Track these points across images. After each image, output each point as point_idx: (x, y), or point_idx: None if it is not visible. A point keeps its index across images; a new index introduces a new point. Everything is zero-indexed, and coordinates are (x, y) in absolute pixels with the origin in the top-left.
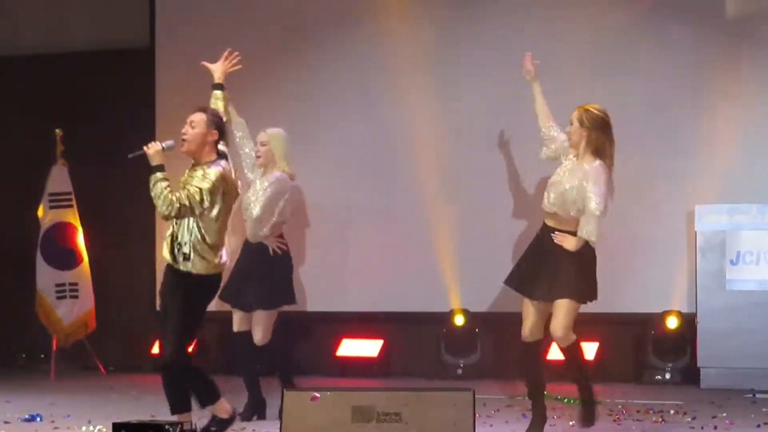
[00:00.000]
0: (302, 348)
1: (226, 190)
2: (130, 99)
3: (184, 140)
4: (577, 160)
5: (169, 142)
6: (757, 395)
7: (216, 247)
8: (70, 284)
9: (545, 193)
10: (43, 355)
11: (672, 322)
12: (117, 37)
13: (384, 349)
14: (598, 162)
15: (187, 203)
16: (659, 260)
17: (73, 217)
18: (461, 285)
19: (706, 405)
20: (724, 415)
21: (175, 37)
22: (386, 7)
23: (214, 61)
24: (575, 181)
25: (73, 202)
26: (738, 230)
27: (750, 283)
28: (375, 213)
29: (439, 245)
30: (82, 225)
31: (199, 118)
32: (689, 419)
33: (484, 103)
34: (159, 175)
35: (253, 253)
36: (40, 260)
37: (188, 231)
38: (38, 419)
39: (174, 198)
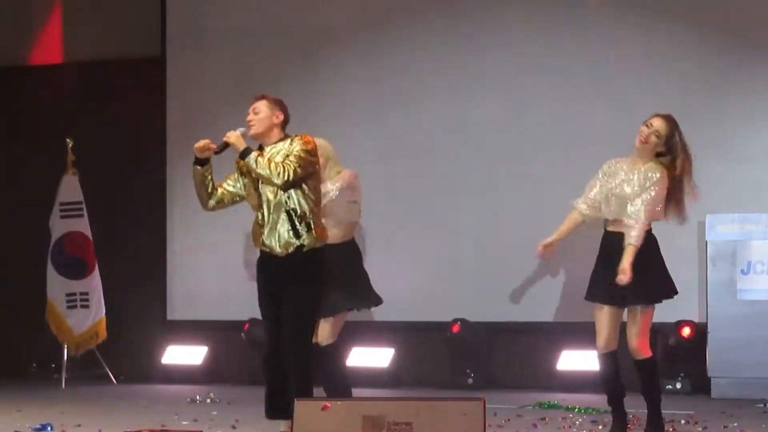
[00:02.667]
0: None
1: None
2: (141, 108)
3: (252, 125)
4: (632, 164)
5: (242, 129)
6: None
7: (320, 211)
8: (81, 294)
9: (603, 204)
10: (53, 365)
11: (683, 332)
12: (128, 47)
13: (395, 359)
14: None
15: (297, 165)
16: (670, 270)
17: (83, 227)
18: (473, 294)
19: (717, 415)
20: (735, 425)
21: (186, 46)
22: (398, 17)
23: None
24: (635, 185)
25: (84, 212)
26: (749, 240)
27: (761, 293)
28: (385, 222)
29: (451, 254)
30: (93, 234)
31: (260, 104)
32: (700, 429)
33: (496, 113)
34: (254, 154)
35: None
36: (50, 269)
37: (305, 199)
38: (49, 428)
39: (284, 164)
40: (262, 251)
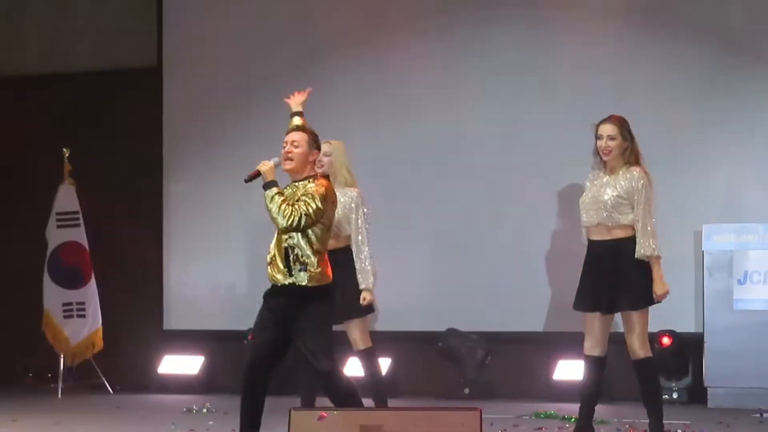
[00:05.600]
0: (300, 368)
1: (332, 199)
2: (138, 118)
3: (290, 159)
4: (610, 172)
5: (276, 159)
6: (765, 415)
7: (322, 255)
8: (78, 303)
9: (583, 214)
10: (50, 375)
11: (679, 342)
12: (125, 57)
13: (392, 369)
14: (641, 170)
15: (308, 212)
16: (667, 279)
17: (80, 236)
18: (469, 304)
19: (713, 424)
20: None
21: (183, 56)
22: (391, 26)
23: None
24: (618, 190)
25: (81, 221)
26: (745, 250)
27: (757, 303)
28: (379, 233)
29: (447, 264)
30: (90, 244)
31: (300, 137)
32: None
33: (491, 122)
34: (275, 189)
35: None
36: (47, 279)
37: (306, 241)
38: None
39: (294, 209)
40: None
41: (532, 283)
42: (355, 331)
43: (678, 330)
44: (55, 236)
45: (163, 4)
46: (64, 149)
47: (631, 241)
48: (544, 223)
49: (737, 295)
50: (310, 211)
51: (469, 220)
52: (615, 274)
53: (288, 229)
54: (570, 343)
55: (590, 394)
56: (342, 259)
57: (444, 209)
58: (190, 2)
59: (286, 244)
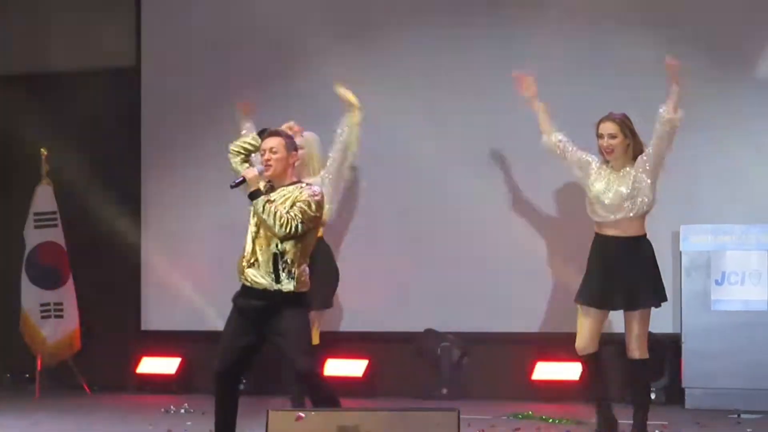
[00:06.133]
0: (287, 368)
1: (323, 206)
2: (116, 118)
3: (269, 166)
4: (617, 170)
5: (260, 167)
6: (742, 416)
7: (307, 261)
8: (55, 304)
9: (594, 206)
10: (27, 375)
11: (656, 342)
12: (103, 57)
13: (369, 369)
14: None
15: (301, 221)
16: None
17: (58, 237)
18: (447, 305)
19: (691, 425)
20: None
21: (161, 57)
22: (373, 29)
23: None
24: (630, 185)
25: (59, 222)
26: (723, 250)
27: (735, 303)
28: (359, 233)
29: (425, 265)
30: (67, 244)
31: (277, 143)
32: None
33: (469, 124)
34: (262, 199)
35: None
36: (24, 280)
37: (298, 248)
38: None
39: (290, 217)
40: (244, 284)
41: (510, 284)
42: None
43: (655, 330)
44: (33, 236)
45: (141, 3)
46: (42, 149)
47: (645, 238)
48: (520, 224)
49: (715, 296)
50: (306, 218)
51: (446, 221)
52: (631, 271)
53: (287, 237)
54: (548, 344)
55: (601, 390)
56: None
57: (420, 210)
58: (168, 2)
59: (276, 250)
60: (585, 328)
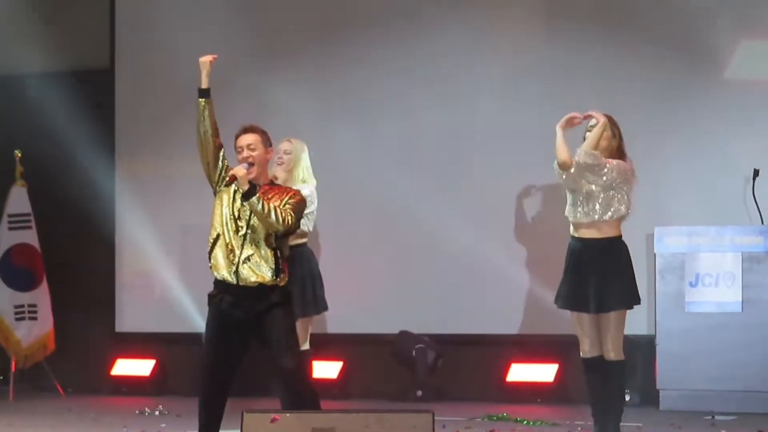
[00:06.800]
0: (263, 370)
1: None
2: (90, 120)
3: (251, 164)
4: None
5: (245, 165)
6: (716, 417)
7: None
8: (29, 306)
9: (578, 208)
10: (1, 377)
11: (631, 344)
12: (77, 58)
13: (344, 371)
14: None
15: (296, 218)
16: None
17: (31, 238)
18: (421, 307)
19: (665, 427)
20: None
21: (136, 58)
22: (349, 30)
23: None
24: (614, 184)
25: (33, 223)
26: (697, 252)
27: (709, 305)
28: (333, 235)
29: (399, 267)
30: (41, 246)
31: (254, 139)
32: None
33: (448, 125)
34: (259, 195)
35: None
36: None
37: (284, 245)
38: None
39: (286, 211)
40: (224, 281)
41: (485, 286)
42: (300, 330)
43: (630, 332)
44: (7, 238)
45: (115, 5)
46: (16, 151)
47: (620, 240)
48: (496, 226)
49: (689, 298)
50: (300, 214)
51: (422, 223)
52: (605, 273)
53: (287, 232)
54: (522, 346)
55: (601, 397)
56: (294, 254)
57: (396, 212)
58: (142, 3)
59: (275, 245)
60: (579, 331)
